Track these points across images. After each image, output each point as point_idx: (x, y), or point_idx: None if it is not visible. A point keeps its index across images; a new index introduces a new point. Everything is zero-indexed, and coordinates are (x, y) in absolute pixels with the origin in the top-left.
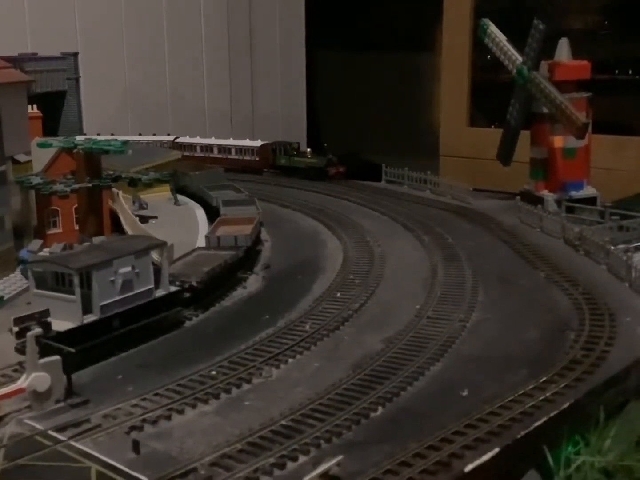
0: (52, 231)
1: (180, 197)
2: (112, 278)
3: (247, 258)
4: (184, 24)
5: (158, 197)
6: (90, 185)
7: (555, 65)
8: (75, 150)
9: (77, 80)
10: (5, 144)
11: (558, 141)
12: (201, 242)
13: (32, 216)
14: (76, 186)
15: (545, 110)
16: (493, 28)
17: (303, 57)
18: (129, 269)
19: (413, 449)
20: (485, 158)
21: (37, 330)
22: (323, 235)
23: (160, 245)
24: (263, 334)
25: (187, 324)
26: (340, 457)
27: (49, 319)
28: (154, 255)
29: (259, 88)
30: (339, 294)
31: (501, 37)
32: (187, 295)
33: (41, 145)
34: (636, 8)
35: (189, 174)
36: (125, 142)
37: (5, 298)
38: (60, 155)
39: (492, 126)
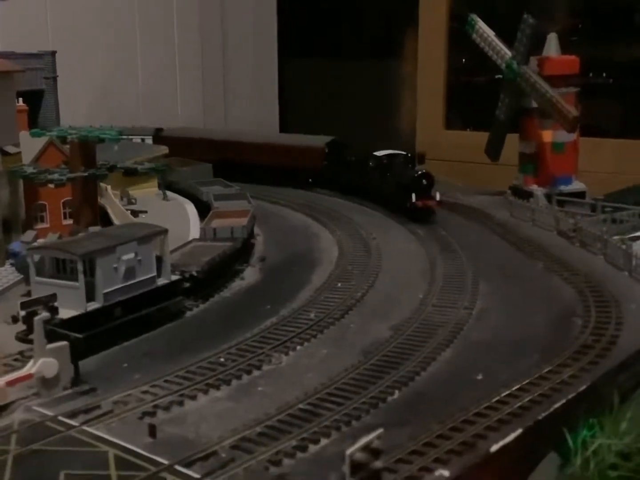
0: (39, 226)
1: (168, 193)
2: (115, 265)
3: (243, 250)
4: (156, 32)
5: (146, 193)
6: (86, 174)
7: (544, 60)
8: (69, 139)
9: (54, 79)
10: None
11: (547, 136)
12: (194, 236)
13: (21, 210)
14: (72, 175)
15: (534, 105)
16: (481, 24)
17: (275, 65)
18: (132, 255)
19: (436, 431)
20: (462, 160)
21: (45, 314)
22: (314, 229)
23: (163, 233)
24: (268, 323)
25: (188, 314)
26: (381, 430)
27: (56, 304)
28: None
29: (231, 95)
30: (339, 284)
31: (489, 32)
32: (187, 285)
33: (34, 135)
34: (609, 11)
35: (177, 169)
36: (120, 131)
37: None
38: (49, 148)
39: (468, 129)
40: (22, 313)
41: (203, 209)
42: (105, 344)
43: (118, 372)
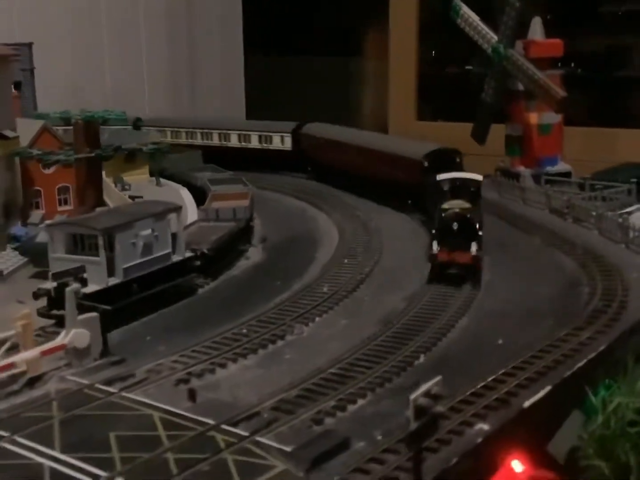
0: (34, 212)
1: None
2: (134, 241)
3: (246, 231)
4: (124, 27)
5: (137, 179)
6: (92, 154)
7: (529, 43)
8: (74, 121)
9: (31, 71)
10: None
11: (533, 118)
12: (193, 219)
13: (19, 195)
14: (79, 155)
15: (520, 87)
16: (465, 9)
17: (241, 61)
18: (149, 231)
19: (469, 389)
20: None
21: (76, 285)
22: (310, 212)
23: (178, 209)
24: (283, 296)
25: (200, 291)
26: (439, 377)
27: (85, 275)
28: None
29: (198, 94)
30: (346, 261)
31: (474, 17)
32: (199, 262)
33: (38, 117)
34: (577, 3)
35: (167, 156)
36: (124, 112)
37: (4, 273)
38: (43, 133)
39: (439, 120)
40: (53, 284)
41: (196, 194)
42: (127, 318)
43: (143, 344)
